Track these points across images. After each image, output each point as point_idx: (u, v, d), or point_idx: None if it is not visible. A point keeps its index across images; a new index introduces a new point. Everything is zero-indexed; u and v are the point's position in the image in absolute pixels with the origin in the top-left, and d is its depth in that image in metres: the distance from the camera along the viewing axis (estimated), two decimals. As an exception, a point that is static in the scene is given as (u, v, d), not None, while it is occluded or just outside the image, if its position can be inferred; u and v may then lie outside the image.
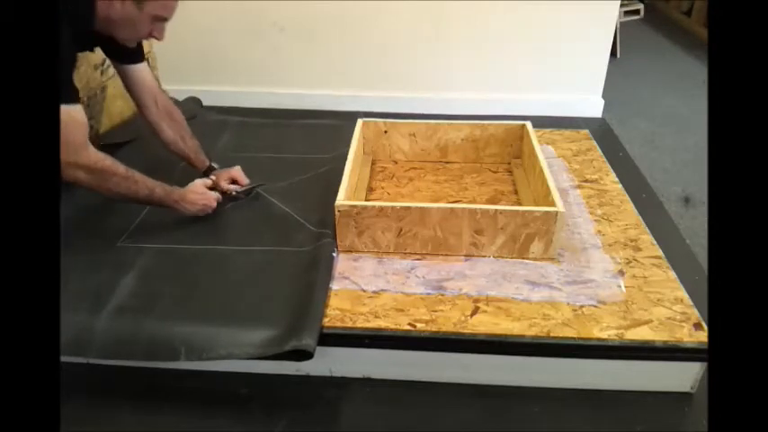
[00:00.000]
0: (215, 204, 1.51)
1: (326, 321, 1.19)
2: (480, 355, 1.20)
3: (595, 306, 1.24)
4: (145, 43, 1.48)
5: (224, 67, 2.51)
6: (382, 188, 1.73)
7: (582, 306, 1.24)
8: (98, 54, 1.60)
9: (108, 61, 1.65)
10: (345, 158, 1.57)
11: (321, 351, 1.14)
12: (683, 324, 1.19)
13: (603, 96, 2.54)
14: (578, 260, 1.39)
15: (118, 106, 1.98)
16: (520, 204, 1.61)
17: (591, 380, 1.21)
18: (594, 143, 1.99)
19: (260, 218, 1.56)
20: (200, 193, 1.48)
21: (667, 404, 1.18)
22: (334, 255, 1.39)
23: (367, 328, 1.19)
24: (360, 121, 1.79)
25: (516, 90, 2.52)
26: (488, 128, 1.81)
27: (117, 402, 1.17)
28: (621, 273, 1.35)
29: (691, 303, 1.25)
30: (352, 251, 1.42)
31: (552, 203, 1.37)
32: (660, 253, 1.42)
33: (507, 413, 1.17)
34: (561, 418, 1.15)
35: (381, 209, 1.36)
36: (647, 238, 1.48)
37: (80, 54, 1.43)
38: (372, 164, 1.84)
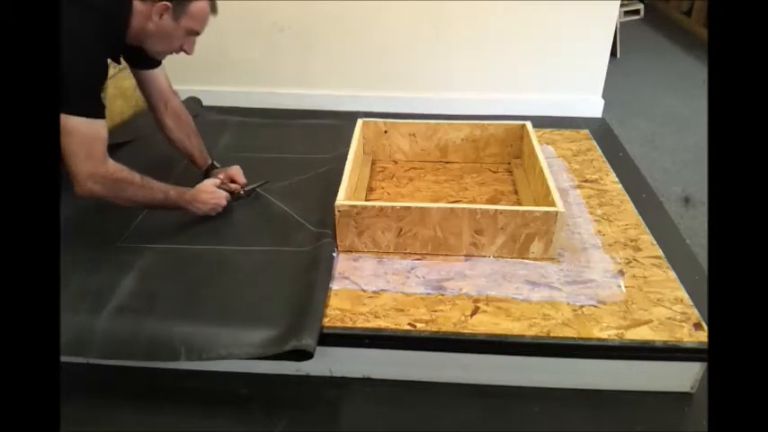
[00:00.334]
0: (225, 203, 1.54)
1: (326, 321, 1.19)
2: (480, 355, 1.20)
3: (595, 306, 1.24)
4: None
5: (224, 67, 2.51)
6: (382, 188, 1.73)
7: (582, 306, 1.24)
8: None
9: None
10: (345, 158, 1.57)
11: (321, 351, 1.14)
12: (683, 324, 1.19)
13: (603, 96, 2.54)
14: (578, 260, 1.39)
15: (118, 106, 1.98)
16: (520, 204, 1.61)
17: (591, 380, 1.21)
18: (594, 143, 1.99)
19: (260, 218, 1.56)
20: (210, 193, 1.50)
21: (667, 404, 1.18)
22: (335, 255, 1.39)
23: (367, 328, 1.19)
24: (360, 121, 1.79)
25: (516, 90, 2.52)
26: (488, 128, 1.81)
27: (117, 402, 1.17)
28: (621, 273, 1.35)
29: (691, 303, 1.25)
30: (352, 251, 1.42)
31: (552, 203, 1.37)
32: (660, 253, 1.42)
33: (507, 413, 1.17)
34: (561, 418, 1.15)
35: (381, 209, 1.36)
36: (647, 238, 1.48)
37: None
38: (372, 164, 1.84)
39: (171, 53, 1.38)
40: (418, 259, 1.40)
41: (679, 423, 1.16)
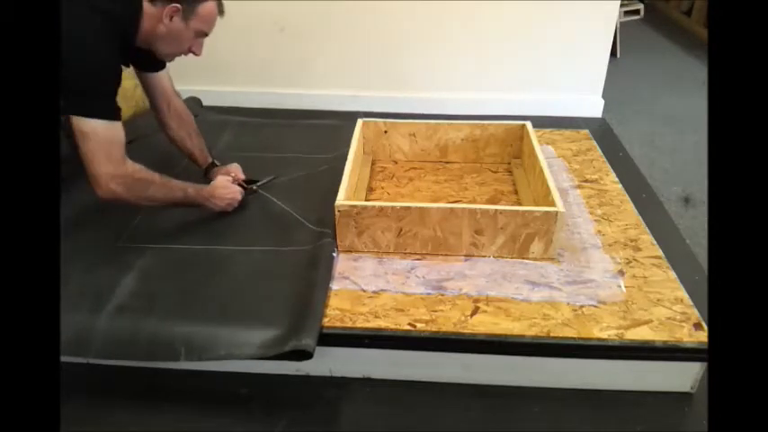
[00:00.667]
0: (240, 197, 1.56)
1: (326, 321, 1.19)
2: (480, 355, 1.20)
3: (595, 306, 1.24)
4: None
5: (224, 67, 2.51)
6: (382, 188, 1.73)
7: (582, 306, 1.24)
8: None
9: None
10: (345, 158, 1.57)
11: (321, 351, 1.14)
12: (683, 324, 1.19)
13: (603, 96, 2.54)
14: (578, 260, 1.39)
15: (118, 106, 1.98)
16: (520, 204, 1.61)
17: (591, 380, 1.21)
18: (594, 143, 1.99)
19: (260, 217, 1.56)
20: (226, 188, 1.53)
21: (667, 404, 1.18)
22: (335, 255, 1.39)
23: (367, 328, 1.19)
24: (360, 121, 1.79)
25: (516, 90, 2.52)
26: (488, 128, 1.81)
27: (117, 402, 1.17)
28: (621, 273, 1.35)
29: (691, 303, 1.25)
30: (352, 251, 1.42)
31: (552, 203, 1.37)
32: (660, 253, 1.42)
33: (507, 413, 1.17)
34: (561, 418, 1.15)
35: (381, 209, 1.36)
36: (647, 238, 1.48)
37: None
38: (372, 164, 1.84)
39: (180, 55, 1.40)
40: (418, 259, 1.40)
41: (679, 423, 1.16)
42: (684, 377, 1.20)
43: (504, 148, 1.83)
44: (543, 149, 1.75)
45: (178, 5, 1.26)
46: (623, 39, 3.41)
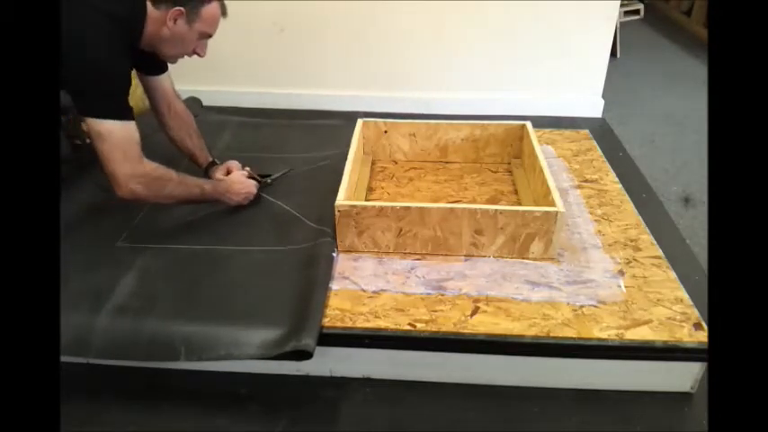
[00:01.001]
0: (255, 191, 1.59)
1: (326, 321, 1.19)
2: (480, 355, 1.20)
3: (595, 306, 1.24)
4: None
5: (224, 68, 2.51)
6: (382, 188, 1.73)
7: (582, 306, 1.24)
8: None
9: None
10: (345, 158, 1.57)
11: (321, 351, 1.14)
12: (683, 324, 1.19)
13: (603, 96, 2.54)
14: (578, 260, 1.39)
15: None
16: (520, 204, 1.61)
17: (591, 380, 1.21)
18: (594, 143, 1.99)
19: (259, 217, 1.56)
20: (241, 183, 1.56)
21: (667, 404, 1.18)
22: (335, 255, 1.39)
23: (367, 328, 1.19)
24: (360, 121, 1.79)
25: (516, 90, 2.52)
26: (488, 128, 1.81)
27: (117, 402, 1.17)
28: (621, 273, 1.35)
29: (691, 303, 1.25)
30: (352, 251, 1.42)
31: (552, 203, 1.37)
32: (660, 253, 1.42)
33: (507, 413, 1.17)
34: (561, 418, 1.15)
35: (381, 209, 1.36)
36: (646, 238, 1.48)
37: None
38: (372, 164, 1.84)
39: (184, 56, 1.41)
40: (418, 259, 1.40)
41: (679, 423, 1.16)
42: (684, 377, 1.19)
43: (504, 148, 1.83)
44: (543, 149, 1.75)
45: (182, 8, 1.27)
46: (623, 39, 3.41)
